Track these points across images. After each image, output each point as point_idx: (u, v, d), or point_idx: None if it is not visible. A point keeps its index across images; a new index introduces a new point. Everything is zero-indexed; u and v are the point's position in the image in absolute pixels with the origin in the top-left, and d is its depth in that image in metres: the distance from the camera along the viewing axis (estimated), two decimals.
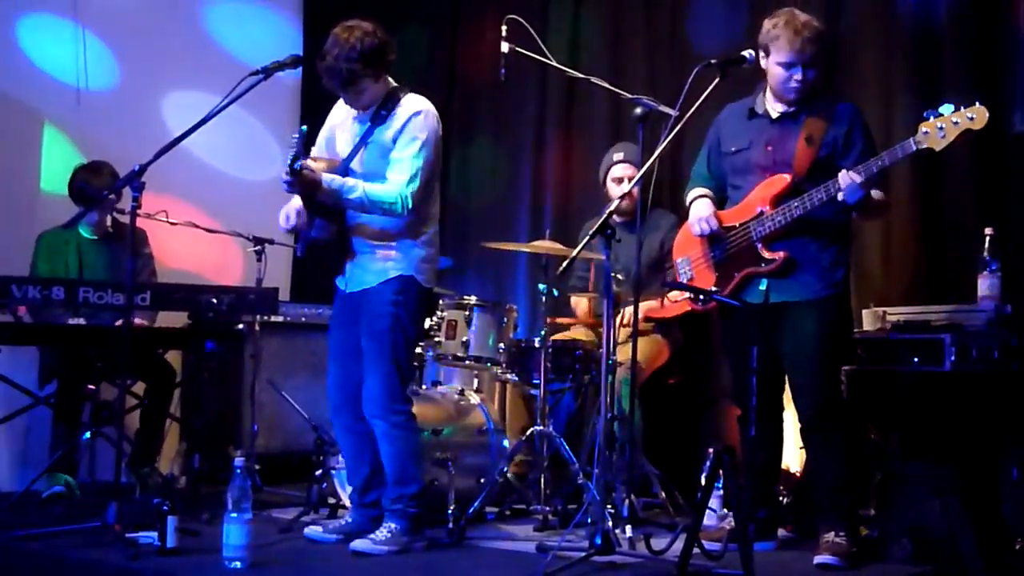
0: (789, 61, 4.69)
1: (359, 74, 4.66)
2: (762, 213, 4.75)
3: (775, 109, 4.85)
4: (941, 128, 4.38)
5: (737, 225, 4.86)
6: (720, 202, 5.02)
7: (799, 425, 4.86)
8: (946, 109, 4.39)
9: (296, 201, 4.86)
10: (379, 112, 4.80)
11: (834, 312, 4.75)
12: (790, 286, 4.74)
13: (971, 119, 4.37)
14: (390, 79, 4.86)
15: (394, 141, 4.76)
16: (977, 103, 4.38)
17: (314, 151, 5.03)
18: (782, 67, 4.72)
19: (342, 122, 4.97)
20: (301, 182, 4.56)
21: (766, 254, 4.75)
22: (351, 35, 4.65)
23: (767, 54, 4.75)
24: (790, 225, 4.68)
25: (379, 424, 4.80)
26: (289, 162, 4.50)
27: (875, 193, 4.67)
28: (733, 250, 4.87)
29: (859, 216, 4.80)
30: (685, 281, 5.05)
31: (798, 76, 4.71)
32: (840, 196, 4.54)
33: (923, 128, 4.41)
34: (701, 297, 4.93)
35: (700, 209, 4.99)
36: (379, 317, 4.79)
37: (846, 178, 4.50)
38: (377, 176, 4.77)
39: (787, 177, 4.73)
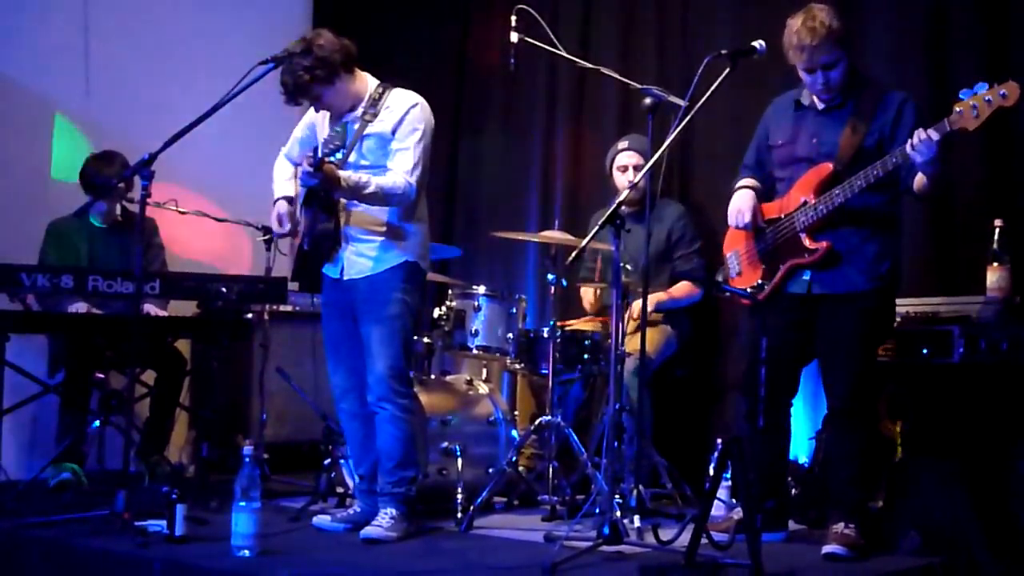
0: (805, 68, 4.68)
1: (304, 83, 4.74)
2: (806, 203, 4.72)
3: (821, 100, 4.83)
4: (975, 107, 4.30)
5: (783, 216, 4.84)
6: (770, 195, 4.99)
7: (827, 412, 4.86)
8: (980, 88, 4.31)
9: (282, 206, 5.01)
10: (369, 108, 4.87)
11: (875, 307, 4.71)
12: (833, 278, 4.70)
13: (1003, 96, 4.28)
14: (368, 76, 4.94)
15: (393, 132, 4.83)
16: (1010, 79, 4.31)
17: (285, 149, 5.18)
18: (804, 73, 4.71)
19: (323, 121, 5.02)
20: (324, 179, 4.61)
21: (809, 244, 4.71)
22: (293, 48, 4.76)
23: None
24: (833, 214, 4.64)
25: (386, 408, 4.83)
26: (315, 161, 4.57)
27: None
28: (779, 241, 4.83)
29: (927, 187, 4.58)
30: (734, 275, 5.04)
31: (820, 80, 4.68)
32: (915, 156, 4.37)
33: (957, 108, 4.33)
34: (749, 290, 4.91)
35: (739, 201, 4.96)
36: (387, 303, 4.83)
37: (921, 134, 4.35)
38: (376, 167, 4.83)
39: (830, 166, 4.69)
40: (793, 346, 4.79)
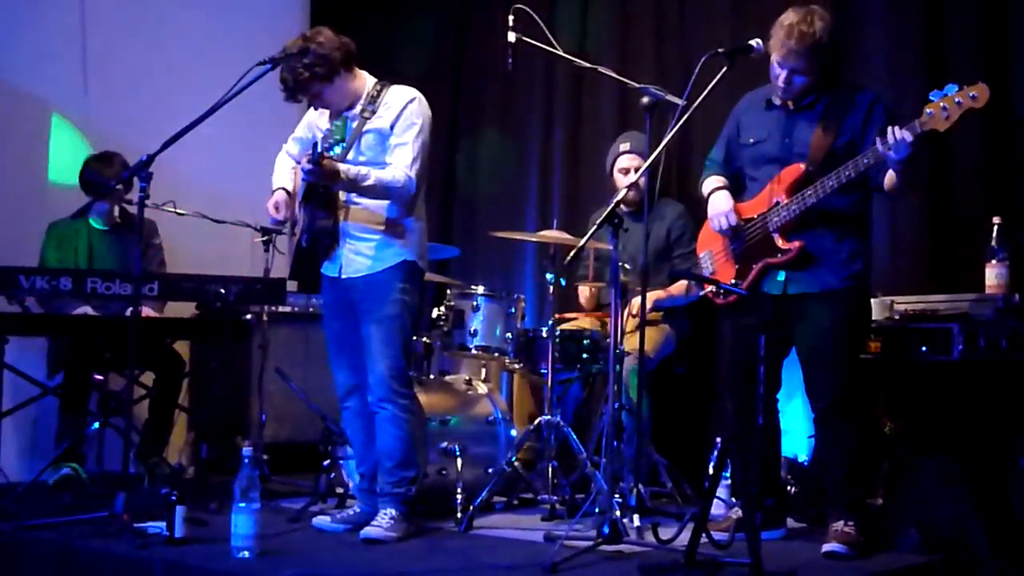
0: (777, 61, 4.70)
1: (304, 80, 4.74)
2: (778, 203, 4.73)
3: (780, 96, 4.82)
4: (945, 108, 4.32)
5: (755, 217, 4.84)
6: (736, 191, 5.00)
7: (813, 415, 4.85)
8: (950, 89, 4.33)
9: (280, 194, 4.98)
10: (367, 105, 4.87)
11: (851, 304, 4.72)
12: (807, 278, 4.71)
13: (973, 97, 4.29)
14: (366, 75, 4.95)
15: (392, 127, 4.84)
16: (979, 81, 4.31)
17: (286, 147, 5.17)
18: (776, 64, 4.72)
19: (322, 119, 5.02)
20: (322, 173, 4.60)
21: (782, 244, 4.72)
22: (292, 46, 4.77)
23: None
24: (805, 214, 4.65)
25: (387, 408, 4.83)
26: (314, 156, 4.57)
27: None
28: (751, 242, 4.84)
29: (898, 185, 4.59)
30: (707, 275, 5.03)
31: (783, 77, 4.70)
32: (889, 155, 4.38)
33: (927, 109, 4.35)
34: (722, 289, 4.90)
35: (720, 203, 4.95)
36: (386, 303, 4.83)
37: (897, 132, 4.36)
38: (376, 163, 4.83)
39: (801, 166, 4.70)
40: (772, 344, 4.79)
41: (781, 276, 4.76)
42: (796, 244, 4.70)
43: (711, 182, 5.06)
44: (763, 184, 4.85)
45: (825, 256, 4.70)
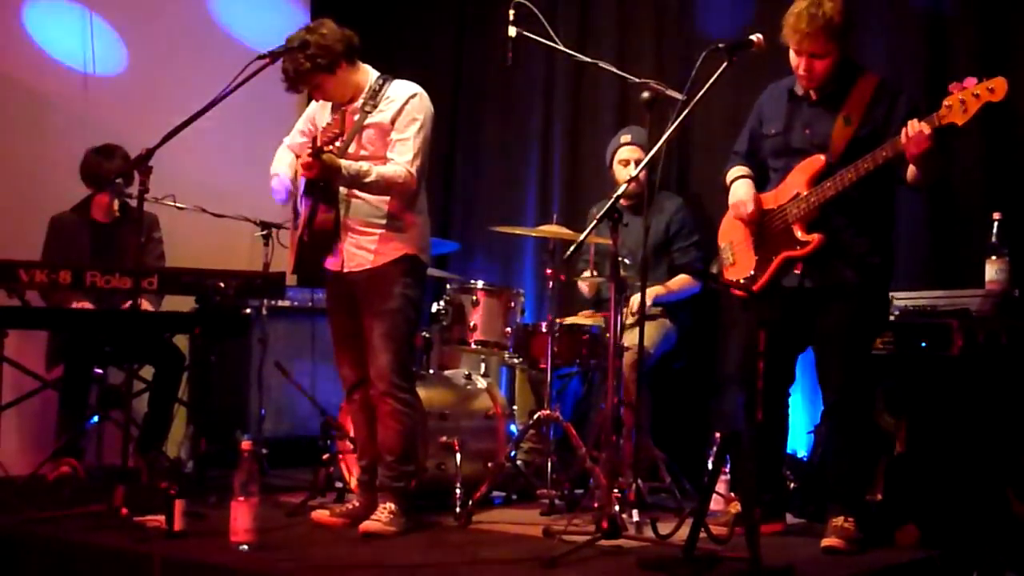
0: (793, 50, 4.67)
1: (305, 70, 4.75)
2: (798, 195, 4.72)
3: (804, 87, 4.81)
4: (963, 102, 4.30)
5: (775, 208, 4.83)
6: (761, 183, 4.99)
7: (823, 408, 4.85)
8: (968, 82, 4.31)
9: (283, 176, 4.98)
10: (369, 99, 4.86)
11: (866, 300, 4.71)
12: (825, 272, 4.70)
13: (991, 91, 4.27)
14: (369, 68, 4.95)
15: (393, 122, 4.83)
16: (999, 75, 4.30)
17: (287, 140, 5.17)
18: (793, 54, 4.69)
19: (323, 113, 5.02)
20: (322, 168, 4.59)
21: (802, 236, 4.71)
22: (295, 37, 4.79)
23: None
24: (825, 206, 4.64)
25: (387, 402, 4.83)
26: (314, 150, 4.56)
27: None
28: (772, 233, 4.83)
29: (920, 178, 4.60)
30: (727, 265, 5.03)
31: (803, 66, 4.67)
32: (909, 148, 4.38)
33: (946, 102, 4.33)
34: (742, 281, 4.89)
35: (740, 191, 4.95)
36: (388, 297, 4.83)
37: (915, 126, 4.37)
38: (377, 158, 4.83)
39: (822, 158, 4.68)
40: (787, 338, 4.79)
41: (798, 270, 4.75)
42: (816, 236, 4.67)
43: (734, 172, 5.05)
44: (784, 175, 4.84)
45: (843, 249, 4.68)
